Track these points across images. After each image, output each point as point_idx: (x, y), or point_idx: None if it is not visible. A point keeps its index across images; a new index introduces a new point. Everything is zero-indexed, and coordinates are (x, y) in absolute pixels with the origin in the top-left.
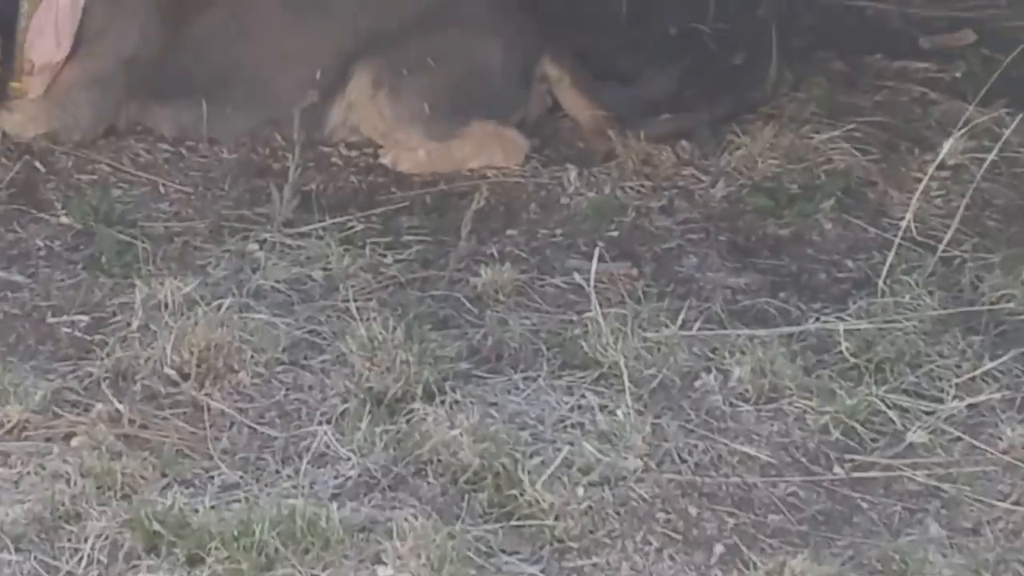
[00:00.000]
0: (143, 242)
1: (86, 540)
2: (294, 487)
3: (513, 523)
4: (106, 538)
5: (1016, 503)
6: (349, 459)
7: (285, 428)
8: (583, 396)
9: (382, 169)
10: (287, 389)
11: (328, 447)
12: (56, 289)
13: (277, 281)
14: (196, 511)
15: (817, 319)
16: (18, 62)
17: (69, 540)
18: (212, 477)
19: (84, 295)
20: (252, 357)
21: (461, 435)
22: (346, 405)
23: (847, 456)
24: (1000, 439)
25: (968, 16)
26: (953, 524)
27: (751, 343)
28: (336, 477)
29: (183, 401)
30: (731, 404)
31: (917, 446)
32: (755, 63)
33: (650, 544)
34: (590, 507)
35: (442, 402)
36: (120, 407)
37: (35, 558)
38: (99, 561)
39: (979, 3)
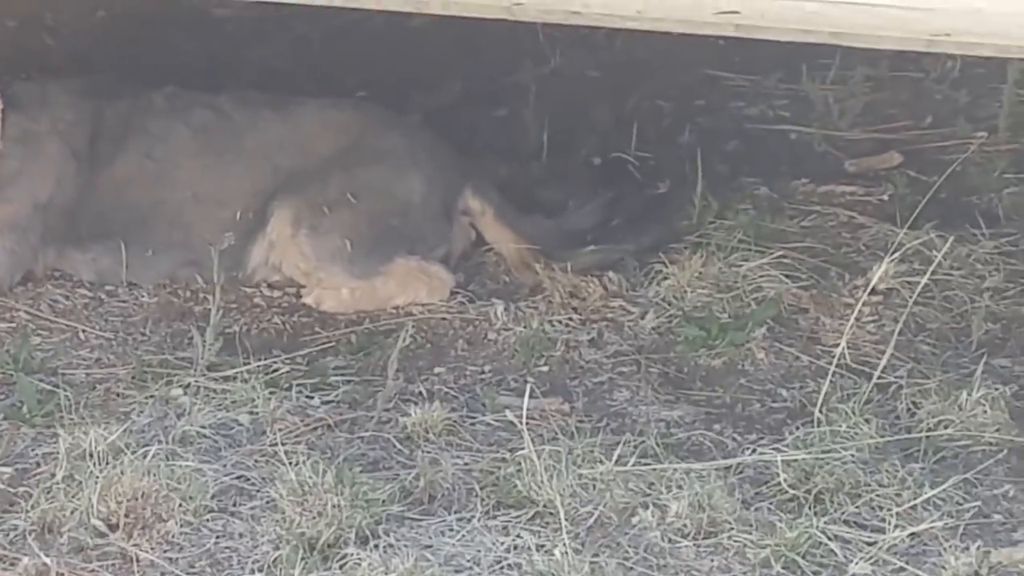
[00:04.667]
0: (65, 390)
1: None
2: None
3: None
4: None
5: None
6: None
7: None
8: (519, 536)
9: (306, 309)
10: (217, 537)
11: None
12: None
13: (203, 426)
14: None
15: (754, 451)
16: None
17: None
18: None
19: (6, 446)
20: (180, 505)
21: None
22: (278, 552)
23: None
24: (944, 568)
25: (893, 138)
26: None
27: (688, 477)
28: None
29: (111, 552)
30: (670, 540)
31: None
32: (679, 191)
33: None
34: None
35: (376, 546)
36: (47, 561)
37: None
38: None
39: (904, 124)
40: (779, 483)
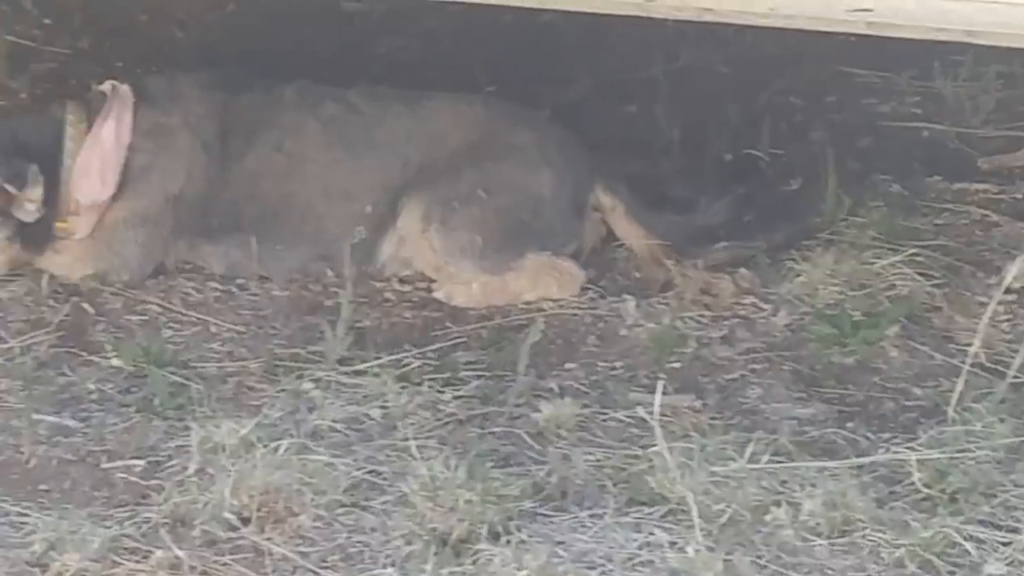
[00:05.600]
0: (196, 383)
1: None
2: None
3: None
4: None
5: None
6: None
7: (348, 572)
8: (651, 533)
9: (436, 304)
10: (349, 532)
11: None
12: (110, 433)
13: (335, 421)
14: None
15: (887, 449)
16: (63, 202)
17: None
18: None
19: (138, 439)
20: (312, 500)
21: None
22: (410, 547)
23: None
24: None
25: None
26: None
27: (821, 475)
28: None
29: (244, 546)
30: (803, 538)
31: None
32: (811, 187)
33: None
34: None
35: (508, 542)
36: (180, 554)
37: None
38: None
39: None
40: (913, 482)
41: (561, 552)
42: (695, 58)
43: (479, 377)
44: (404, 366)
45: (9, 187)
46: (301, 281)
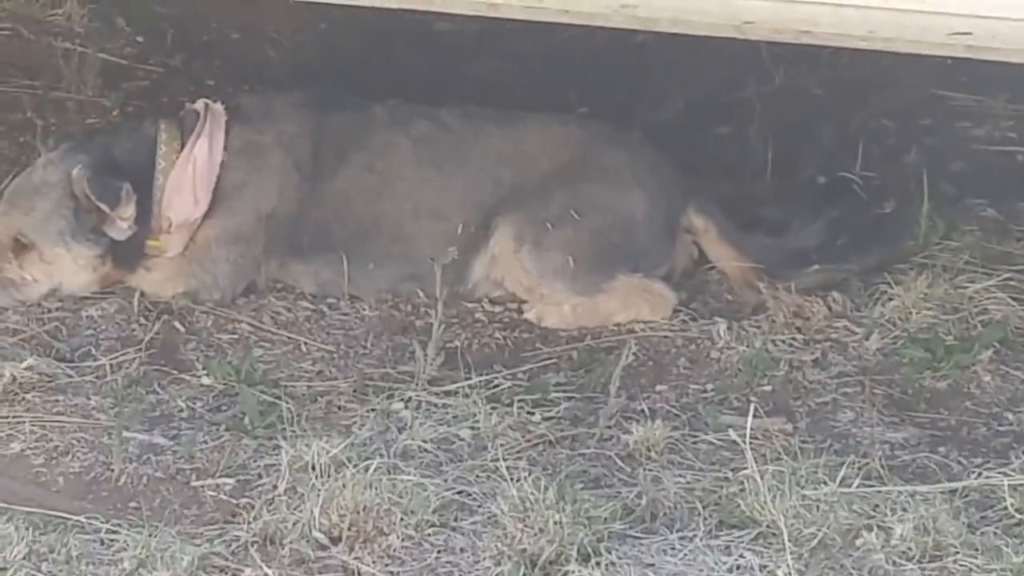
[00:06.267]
0: (287, 402)
1: None
2: None
3: None
4: None
5: None
6: None
7: None
8: (742, 556)
9: (527, 325)
10: (438, 552)
11: None
12: (200, 451)
13: (424, 441)
14: None
15: (979, 474)
16: (156, 220)
17: None
18: None
19: (228, 457)
20: (402, 519)
21: None
22: (500, 568)
23: None
24: None
25: None
26: None
27: (912, 500)
28: None
29: (333, 565)
30: (894, 563)
31: None
32: (905, 211)
33: None
34: None
35: (598, 563)
36: (269, 572)
37: None
38: None
39: None
40: (1005, 507)
41: (651, 574)
42: (789, 79)
43: (569, 398)
44: (494, 387)
45: (102, 205)
46: (392, 301)
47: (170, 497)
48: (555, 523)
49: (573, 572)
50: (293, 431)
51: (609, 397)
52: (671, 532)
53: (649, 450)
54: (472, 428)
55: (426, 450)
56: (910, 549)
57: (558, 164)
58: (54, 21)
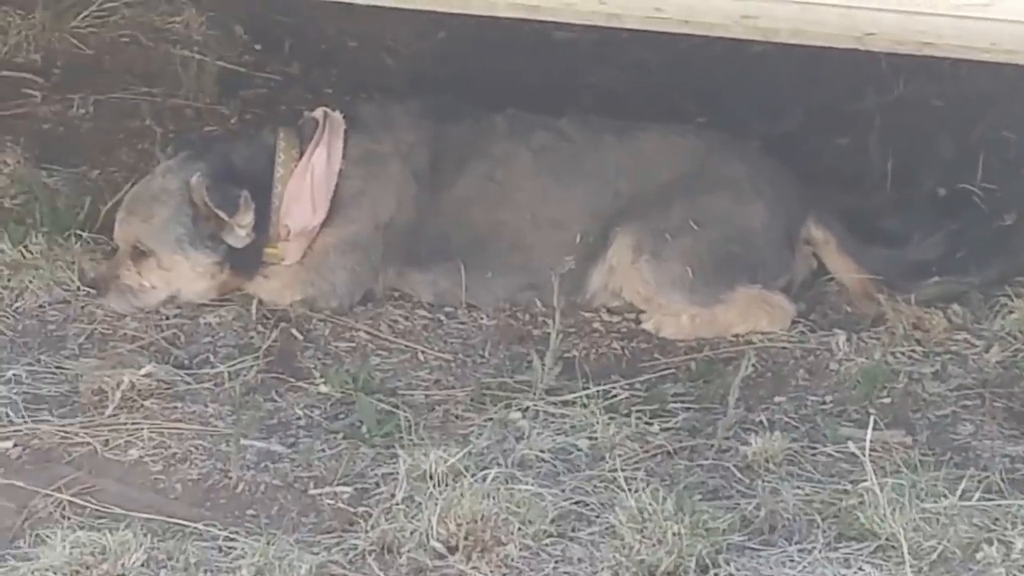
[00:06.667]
0: (404, 411)
1: None
2: None
3: None
4: None
5: None
6: None
7: None
8: (860, 568)
9: (645, 335)
10: (556, 562)
11: None
12: (317, 459)
13: (542, 450)
14: None
15: None
16: (274, 228)
17: None
18: None
19: (346, 465)
20: (520, 529)
21: None
22: None
23: None
24: None
25: None
26: None
27: None
28: None
29: (450, 575)
30: None
31: None
32: None
33: None
34: None
35: (716, 575)
36: None
37: None
38: None
39: None
40: None
41: None
42: (908, 91)
43: (687, 409)
44: (612, 397)
45: (220, 212)
46: (509, 310)
47: (288, 505)
48: (673, 534)
49: None
50: (410, 440)
51: (727, 408)
52: (790, 544)
53: (768, 461)
54: (590, 438)
55: (544, 460)
56: None
57: (677, 174)
58: (172, 29)
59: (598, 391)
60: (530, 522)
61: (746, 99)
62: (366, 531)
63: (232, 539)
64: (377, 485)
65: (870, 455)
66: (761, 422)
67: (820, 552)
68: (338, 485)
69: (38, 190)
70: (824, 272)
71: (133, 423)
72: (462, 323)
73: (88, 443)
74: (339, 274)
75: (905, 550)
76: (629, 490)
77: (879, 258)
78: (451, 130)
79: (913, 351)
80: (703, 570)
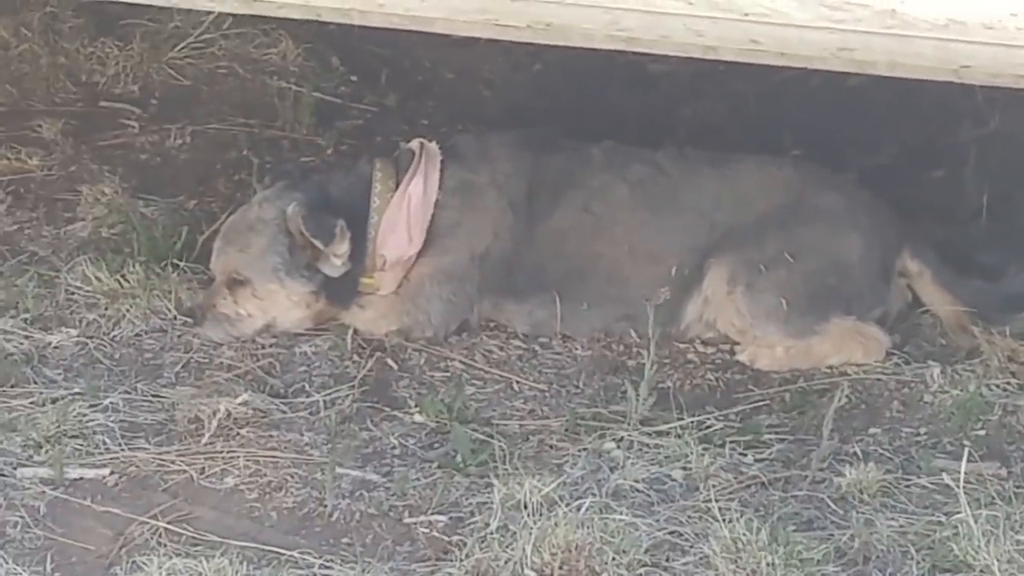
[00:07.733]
0: (499, 440)
1: None
2: None
3: None
4: None
5: None
6: None
7: None
8: None
9: (739, 366)
10: None
11: None
12: (412, 488)
13: (636, 480)
14: None
15: None
16: (370, 258)
17: None
18: None
19: (441, 494)
20: (614, 559)
21: None
22: None
23: None
24: None
25: None
26: None
27: None
28: None
29: None
30: None
31: None
32: None
33: None
34: None
35: None
36: None
37: None
38: None
39: None
40: None
41: None
42: (1005, 124)
43: (782, 440)
44: (706, 428)
45: (316, 241)
46: (604, 341)
47: (382, 533)
48: (768, 565)
49: None
50: (505, 469)
51: (821, 439)
52: (883, 575)
53: (862, 492)
54: (684, 468)
55: (638, 490)
56: None
57: (773, 206)
58: (270, 60)
59: (692, 422)
60: (624, 552)
61: (842, 132)
62: (460, 560)
63: (327, 567)
64: (472, 514)
65: (964, 487)
66: (855, 453)
67: None
68: (433, 514)
69: (135, 220)
70: (919, 304)
71: (229, 451)
72: (557, 353)
73: (184, 471)
74: (434, 304)
75: None
76: (723, 520)
77: (974, 290)
78: (548, 161)
79: (1008, 383)
80: None
